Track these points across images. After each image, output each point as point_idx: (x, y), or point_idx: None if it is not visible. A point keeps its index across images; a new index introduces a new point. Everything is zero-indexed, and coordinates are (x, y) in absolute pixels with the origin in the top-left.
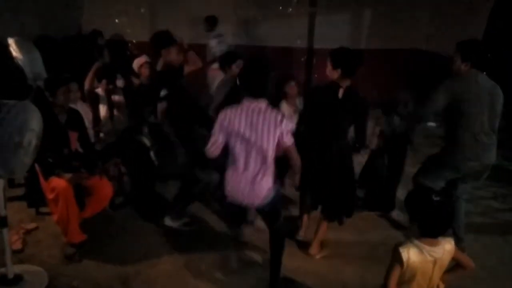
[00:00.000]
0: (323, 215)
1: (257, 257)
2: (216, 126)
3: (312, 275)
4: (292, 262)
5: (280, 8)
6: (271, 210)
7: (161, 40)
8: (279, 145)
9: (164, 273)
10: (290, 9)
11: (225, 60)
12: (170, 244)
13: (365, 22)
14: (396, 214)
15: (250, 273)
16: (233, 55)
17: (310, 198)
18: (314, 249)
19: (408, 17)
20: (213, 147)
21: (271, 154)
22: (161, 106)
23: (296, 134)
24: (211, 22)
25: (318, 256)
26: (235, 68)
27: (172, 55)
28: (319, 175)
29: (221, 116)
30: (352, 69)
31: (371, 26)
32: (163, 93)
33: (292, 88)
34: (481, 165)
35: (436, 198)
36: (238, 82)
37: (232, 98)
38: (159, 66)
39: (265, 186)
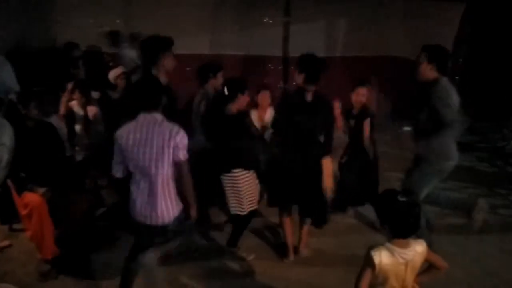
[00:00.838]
0: (300, 216)
1: (236, 265)
2: (115, 145)
3: (295, 282)
4: (274, 271)
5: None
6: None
7: (158, 46)
8: (174, 159)
9: (146, 285)
10: (266, 19)
11: (207, 71)
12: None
13: (340, 30)
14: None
15: (231, 281)
16: (214, 67)
17: (285, 201)
18: (304, 250)
19: (381, 25)
20: (115, 167)
21: (166, 168)
22: None
23: (272, 141)
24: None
25: (307, 254)
26: (217, 79)
27: (169, 64)
28: (295, 177)
29: (117, 133)
30: (315, 75)
31: (345, 34)
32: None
33: (263, 97)
34: (454, 164)
35: (402, 199)
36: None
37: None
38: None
39: (163, 203)
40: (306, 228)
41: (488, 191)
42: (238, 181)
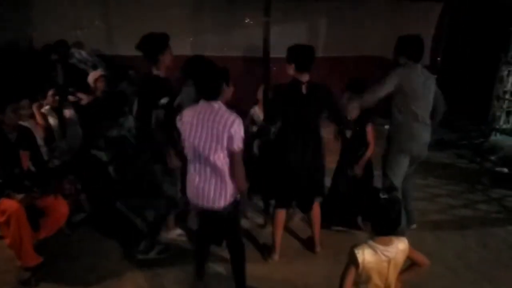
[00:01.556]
0: (298, 208)
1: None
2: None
3: (279, 282)
4: (257, 271)
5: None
6: (228, 218)
7: (158, 44)
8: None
9: None
10: (246, 19)
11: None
12: (131, 261)
13: (321, 30)
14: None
15: (215, 284)
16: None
17: (286, 197)
18: (317, 247)
19: (362, 25)
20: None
21: (221, 156)
22: (159, 113)
23: (265, 134)
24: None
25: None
26: None
27: (169, 60)
28: (295, 172)
29: (178, 118)
30: (305, 63)
31: (327, 34)
32: (164, 100)
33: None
34: (424, 144)
35: (383, 196)
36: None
37: None
38: (157, 72)
39: (217, 188)
40: (316, 217)
41: (468, 187)
42: None
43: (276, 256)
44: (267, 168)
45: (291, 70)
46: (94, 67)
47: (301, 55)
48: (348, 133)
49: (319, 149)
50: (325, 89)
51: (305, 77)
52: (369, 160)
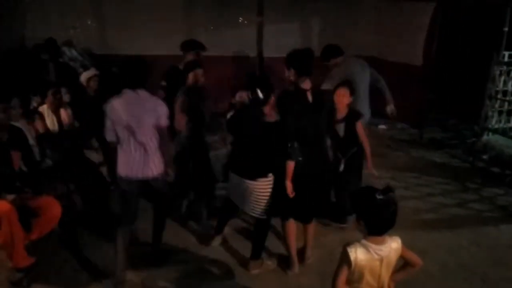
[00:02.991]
0: (300, 220)
1: (214, 267)
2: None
3: (274, 282)
4: (250, 273)
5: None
6: (158, 183)
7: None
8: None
9: None
10: (240, 19)
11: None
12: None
13: (314, 30)
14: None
15: (208, 283)
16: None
17: (296, 210)
18: (309, 258)
19: (356, 25)
20: (109, 134)
21: (152, 135)
22: (180, 99)
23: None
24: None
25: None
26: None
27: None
28: (306, 185)
29: (108, 107)
30: (307, 68)
31: (319, 34)
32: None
33: (241, 96)
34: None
35: (379, 197)
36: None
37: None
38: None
39: (153, 162)
40: (312, 229)
41: (460, 186)
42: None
43: (296, 267)
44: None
45: (291, 75)
46: (84, 66)
47: (302, 60)
48: (341, 131)
49: (326, 159)
50: (325, 96)
51: (307, 83)
52: (359, 154)
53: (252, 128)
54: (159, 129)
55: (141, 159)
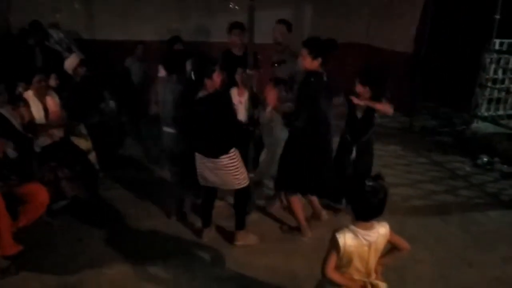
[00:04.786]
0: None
1: (205, 255)
2: None
3: (263, 269)
4: (240, 258)
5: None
6: None
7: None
8: None
9: (110, 280)
10: (231, 4)
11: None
12: (115, 249)
13: (306, 16)
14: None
15: (199, 272)
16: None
17: (304, 186)
18: (323, 213)
19: (349, 13)
20: None
21: None
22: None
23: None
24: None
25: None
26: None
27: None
28: (322, 161)
29: None
30: (329, 57)
31: (312, 20)
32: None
33: (238, 76)
34: None
35: (369, 183)
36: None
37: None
38: None
39: None
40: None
41: (449, 174)
42: None
43: (309, 233)
44: (291, 156)
45: (315, 64)
46: (69, 50)
47: (329, 51)
48: (359, 114)
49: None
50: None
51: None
52: (371, 143)
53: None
54: None
55: None
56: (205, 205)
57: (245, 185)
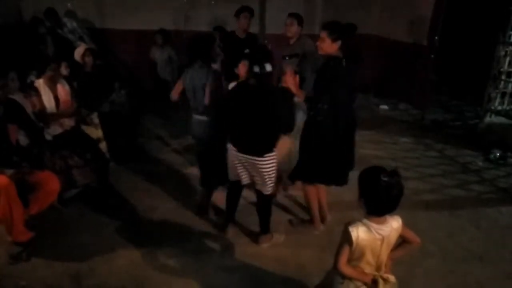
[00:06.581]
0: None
1: (214, 244)
2: None
3: (271, 260)
4: (249, 249)
5: None
6: None
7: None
8: None
9: (119, 267)
10: None
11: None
12: (125, 237)
13: (317, 7)
14: None
15: (208, 260)
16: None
17: (324, 175)
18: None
19: (360, 3)
20: None
21: None
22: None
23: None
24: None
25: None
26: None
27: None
28: (336, 150)
29: None
30: (348, 41)
31: (323, 10)
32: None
33: (241, 67)
34: None
35: (384, 179)
36: None
37: None
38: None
39: None
40: (324, 190)
41: (461, 168)
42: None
43: (320, 226)
44: (308, 146)
45: (334, 47)
46: (81, 39)
47: (348, 33)
48: None
49: (354, 124)
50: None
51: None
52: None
53: (255, 102)
54: None
55: None
56: (230, 200)
57: (273, 190)
